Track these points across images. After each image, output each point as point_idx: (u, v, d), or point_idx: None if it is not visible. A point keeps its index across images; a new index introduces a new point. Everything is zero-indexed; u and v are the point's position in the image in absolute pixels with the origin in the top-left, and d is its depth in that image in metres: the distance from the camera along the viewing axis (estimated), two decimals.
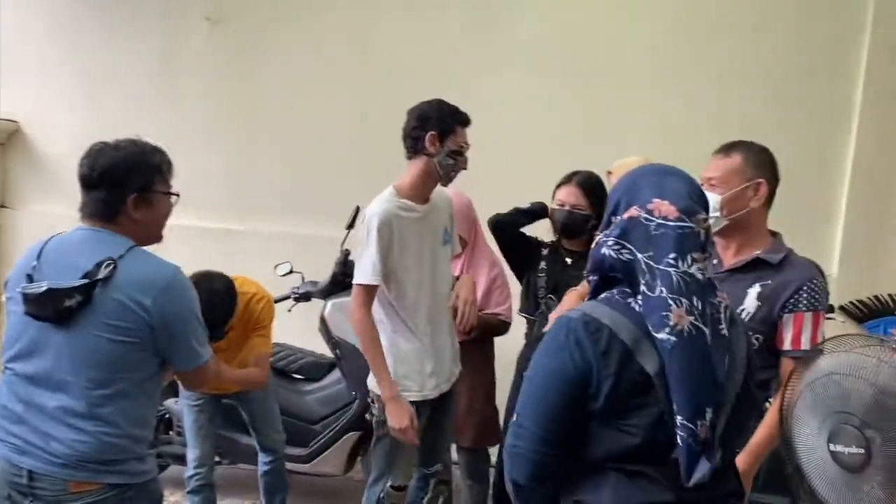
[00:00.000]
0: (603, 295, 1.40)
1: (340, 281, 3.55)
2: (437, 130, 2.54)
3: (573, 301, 2.32)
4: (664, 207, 1.31)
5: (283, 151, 4.57)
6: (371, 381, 2.66)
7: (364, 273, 2.52)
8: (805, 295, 2.00)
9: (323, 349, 3.71)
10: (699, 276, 1.30)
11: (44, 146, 4.96)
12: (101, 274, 1.78)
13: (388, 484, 2.69)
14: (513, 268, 3.16)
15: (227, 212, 4.58)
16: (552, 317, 2.32)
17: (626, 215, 1.34)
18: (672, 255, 1.28)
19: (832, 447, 1.74)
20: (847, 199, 3.92)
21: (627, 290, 1.36)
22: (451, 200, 2.84)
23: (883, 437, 1.72)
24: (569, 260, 2.98)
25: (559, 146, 3.99)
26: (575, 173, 2.95)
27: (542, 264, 3.02)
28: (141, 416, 1.91)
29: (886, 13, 3.79)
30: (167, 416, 3.73)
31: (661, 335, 1.27)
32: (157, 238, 2.04)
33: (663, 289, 1.27)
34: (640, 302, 1.32)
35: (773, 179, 2.12)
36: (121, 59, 4.82)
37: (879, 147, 3.92)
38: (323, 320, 3.52)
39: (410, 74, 4.41)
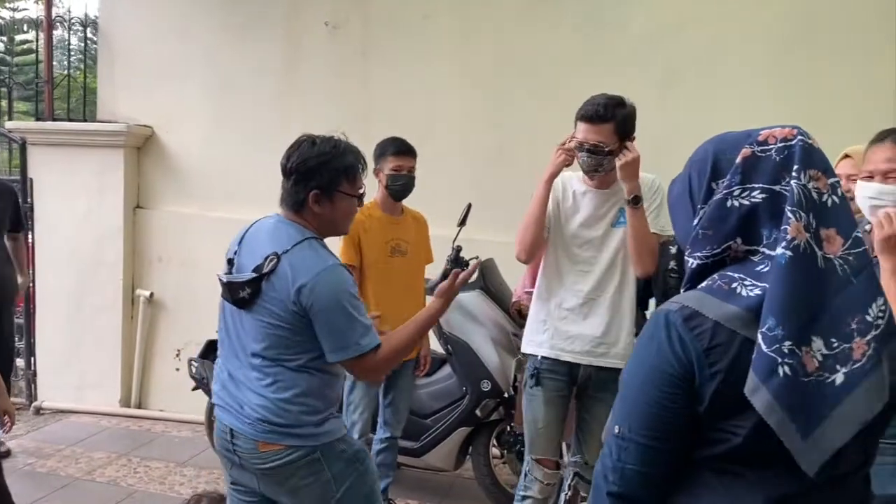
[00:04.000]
0: (703, 284, 1.23)
1: None
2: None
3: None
4: (778, 132, 1.18)
5: None
6: None
7: None
8: None
9: (434, 345, 3.76)
10: (819, 196, 1.14)
11: (176, 150, 5.26)
12: (266, 268, 1.98)
13: (532, 456, 2.77)
14: None
15: None
16: None
17: (738, 159, 1.19)
18: (796, 167, 1.15)
19: None
20: None
21: (731, 273, 1.20)
22: None
23: None
24: None
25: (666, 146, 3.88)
26: None
27: (672, 263, 2.91)
28: (312, 389, 2.04)
29: None
30: (205, 380, 3.80)
31: (776, 251, 1.12)
32: (340, 231, 2.21)
33: (786, 205, 1.14)
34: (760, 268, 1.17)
35: None
36: (246, 64, 5.05)
37: None
38: None
39: (522, 76, 4.41)
